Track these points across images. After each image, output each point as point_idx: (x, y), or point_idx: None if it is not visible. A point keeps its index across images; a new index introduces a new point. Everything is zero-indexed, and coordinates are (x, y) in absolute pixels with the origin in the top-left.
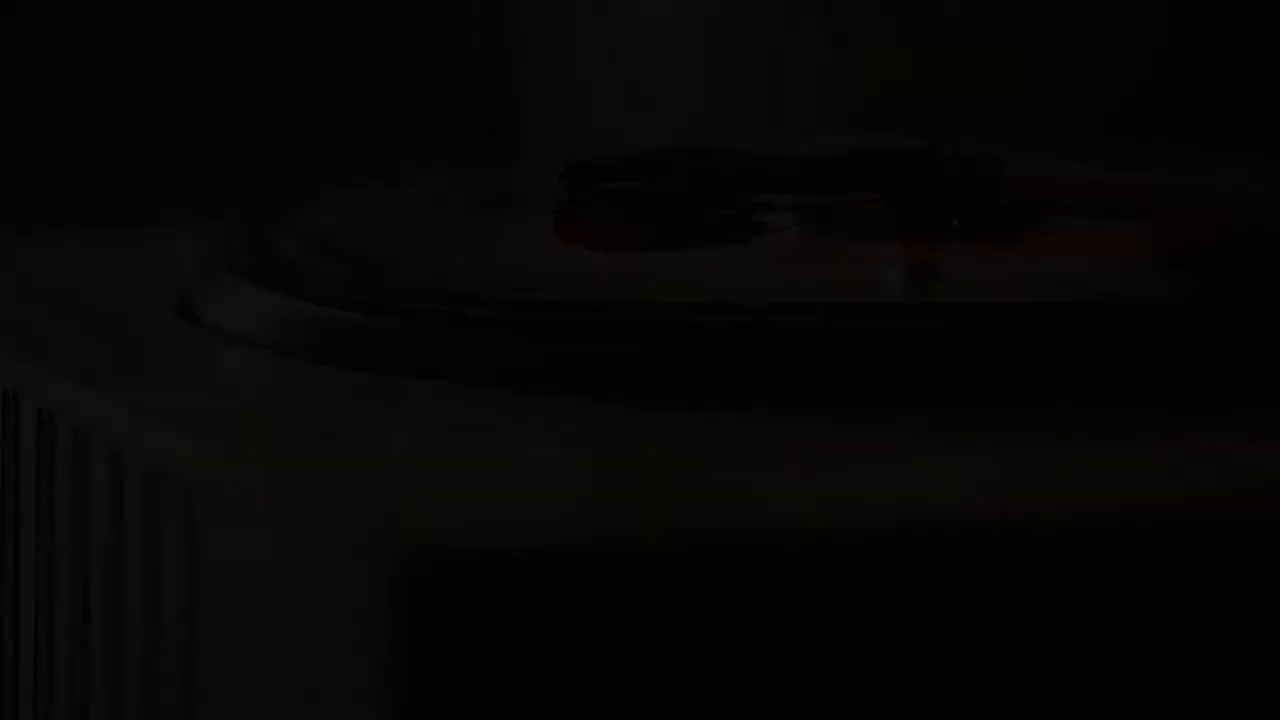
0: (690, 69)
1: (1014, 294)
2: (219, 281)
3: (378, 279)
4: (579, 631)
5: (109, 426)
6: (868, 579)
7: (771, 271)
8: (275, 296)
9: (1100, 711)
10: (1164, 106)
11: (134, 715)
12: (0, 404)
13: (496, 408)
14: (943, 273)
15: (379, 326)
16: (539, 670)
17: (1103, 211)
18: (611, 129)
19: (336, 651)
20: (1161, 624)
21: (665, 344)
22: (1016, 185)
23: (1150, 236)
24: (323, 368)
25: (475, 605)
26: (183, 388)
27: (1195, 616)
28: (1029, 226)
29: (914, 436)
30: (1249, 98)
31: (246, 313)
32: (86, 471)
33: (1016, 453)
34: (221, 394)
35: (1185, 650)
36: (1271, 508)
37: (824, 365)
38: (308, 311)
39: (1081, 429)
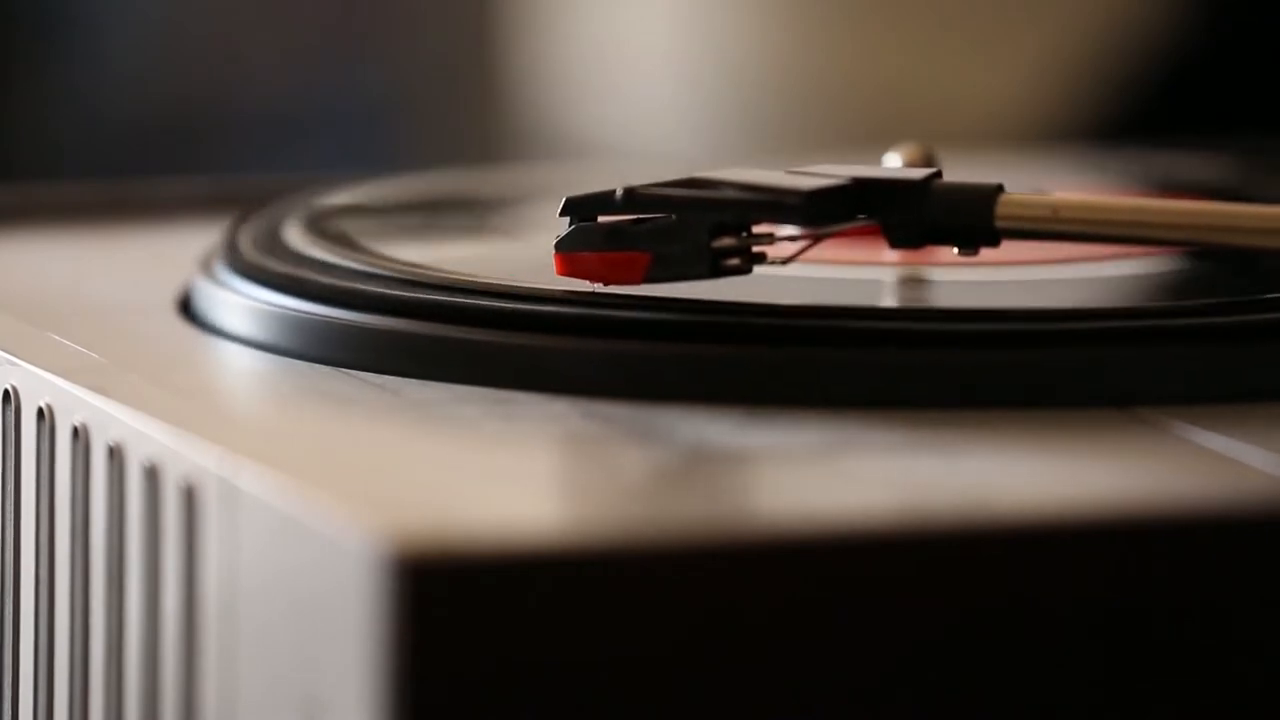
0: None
1: (1010, 298)
2: (218, 280)
3: (376, 279)
4: (578, 630)
5: (109, 425)
6: (867, 578)
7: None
8: (274, 295)
9: (1100, 711)
10: (1164, 107)
11: (134, 715)
12: (0, 403)
13: (494, 408)
14: (935, 278)
15: (378, 326)
16: (537, 668)
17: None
18: (603, 134)
19: (336, 651)
20: (1162, 623)
21: (664, 344)
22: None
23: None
24: (321, 367)
25: (473, 604)
26: (182, 386)
27: (1195, 616)
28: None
29: (914, 437)
30: (1248, 98)
31: (245, 312)
32: (87, 469)
33: (1015, 453)
34: (220, 393)
35: (1184, 649)
36: (1272, 508)
37: (825, 367)
38: (306, 311)
39: (1079, 429)
